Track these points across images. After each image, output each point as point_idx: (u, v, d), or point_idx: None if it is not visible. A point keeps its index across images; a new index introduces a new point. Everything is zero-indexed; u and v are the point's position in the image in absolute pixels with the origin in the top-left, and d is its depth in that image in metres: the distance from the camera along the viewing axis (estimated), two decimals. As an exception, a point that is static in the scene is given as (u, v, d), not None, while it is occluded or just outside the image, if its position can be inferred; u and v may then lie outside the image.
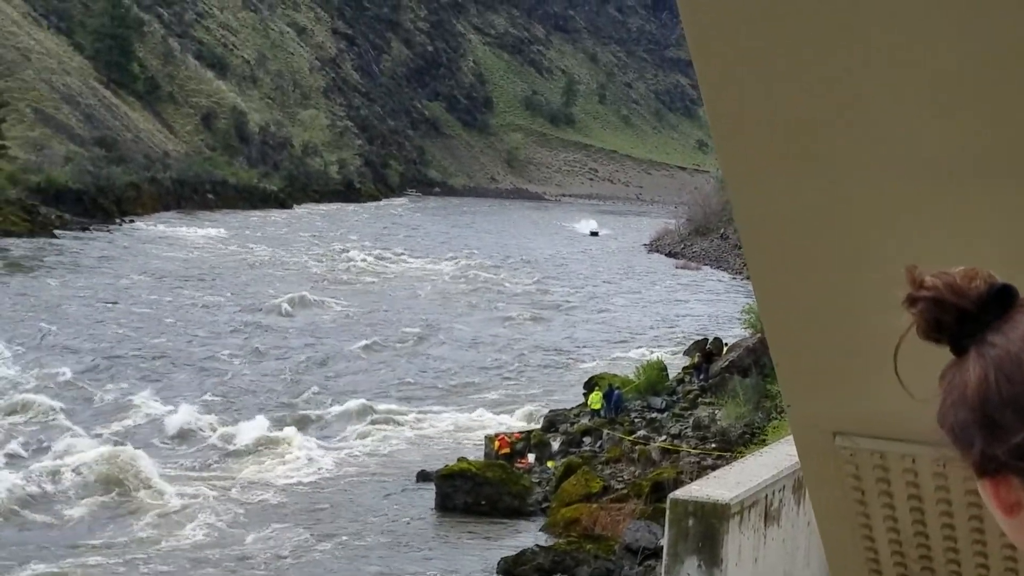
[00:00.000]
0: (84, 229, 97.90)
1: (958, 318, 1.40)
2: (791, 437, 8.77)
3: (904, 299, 1.41)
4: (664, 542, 7.19)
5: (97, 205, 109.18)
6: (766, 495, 7.25)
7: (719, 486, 7.01)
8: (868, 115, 2.56)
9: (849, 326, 3.09)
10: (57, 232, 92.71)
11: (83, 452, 35.09)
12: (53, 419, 38.67)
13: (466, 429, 41.96)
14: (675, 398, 41.62)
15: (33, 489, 32.20)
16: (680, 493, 7.05)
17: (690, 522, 6.73)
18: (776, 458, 7.93)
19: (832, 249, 2.92)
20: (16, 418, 38.58)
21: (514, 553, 28.63)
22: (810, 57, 2.49)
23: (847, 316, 3.07)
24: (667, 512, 6.93)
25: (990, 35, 2.33)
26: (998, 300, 1.40)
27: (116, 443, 36.28)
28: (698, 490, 6.99)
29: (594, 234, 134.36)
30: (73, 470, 33.53)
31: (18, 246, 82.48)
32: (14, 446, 35.41)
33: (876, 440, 3.43)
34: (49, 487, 32.47)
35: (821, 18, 2.43)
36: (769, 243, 3.01)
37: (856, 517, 3.72)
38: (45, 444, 35.85)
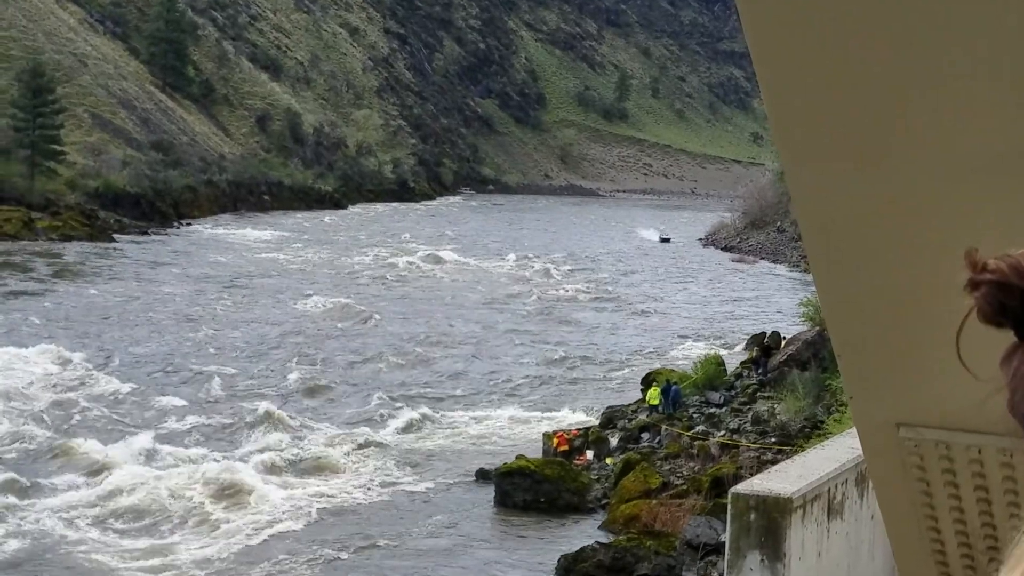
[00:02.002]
0: (142, 233, 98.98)
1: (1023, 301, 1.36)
2: (853, 430, 8.73)
3: (965, 283, 1.38)
4: (726, 537, 7.18)
5: (155, 208, 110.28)
6: (828, 488, 7.22)
7: (781, 480, 6.99)
8: (929, 110, 2.56)
9: (912, 317, 3.08)
10: (116, 236, 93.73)
11: (139, 456, 35.56)
12: (109, 423, 39.09)
13: (524, 427, 41.99)
14: (733, 393, 41.40)
15: (89, 494, 32.56)
16: (742, 487, 7.02)
17: (752, 516, 6.71)
18: (838, 451, 7.89)
19: (894, 242, 2.91)
20: (71, 420, 39.01)
21: (574, 550, 28.62)
22: (871, 54, 2.49)
23: (909, 308, 3.06)
24: (728, 506, 6.91)
25: None
26: None
27: (171, 446, 36.60)
28: (760, 484, 6.96)
29: (664, 240, 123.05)
30: (126, 475, 33.91)
31: (78, 251, 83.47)
32: (66, 449, 35.78)
33: (941, 431, 3.41)
34: (109, 495, 32.80)
35: (882, 14, 2.43)
36: (830, 236, 3.01)
37: (921, 509, 3.70)
38: (106, 448, 36.14)
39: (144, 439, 37.20)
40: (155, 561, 28.15)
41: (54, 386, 42.86)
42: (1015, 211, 2.65)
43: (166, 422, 39.83)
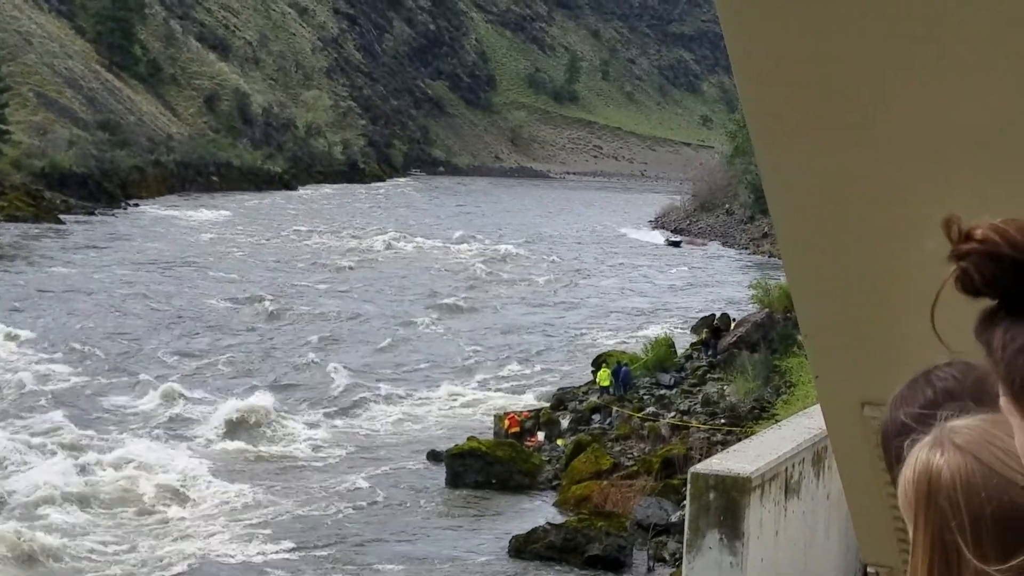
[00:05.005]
0: (89, 213, 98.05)
1: (1016, 273, 1.26)
2: (809, 410, 8.79)
3: (950, 253, 1.29)
4: (685, 516, 7.22)
5: (102, 189, 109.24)
6: (786, 468, 7.28)
7: (740, 460, 7.03)
8: (899, 88, 2.57)
9: (878, 298, 3.11)
10: (62, 217, 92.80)
11: (78, 439, 35.30)
12: (49, 406, 38.57)
13: (475, 408, 41.99)
14: (683, 374, 41.61)
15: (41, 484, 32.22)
16: (701, 467, 7.07)
17: (711, 496, 6.75)
18: (795, 431, 7.96)
19: (862, 222, 2.93)
20: (13, 404, 38.59)
21: (525, 531, 28.71)
22: (844, 28, 2.50)
23: (875, 289, 3.08)
24: (688, 486, 6.95)
25: None
26: None
27: (115, 429, 36.28)
28: (719, 464, 7.00)
29: (674, 244, 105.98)
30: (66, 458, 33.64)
31: (23, 231, 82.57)
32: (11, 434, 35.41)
33: (905, 410, 3.43)
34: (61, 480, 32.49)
35: None
36: (799, 216, 3.02)
37: (884, 487, 3.73)
38: (52, 431, 35.77)
39: (78, 427, 36.47)
40: (101, 553, 27.93)
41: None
42: (986, 191, 2.67)
43: (103, 406, 39.40)
